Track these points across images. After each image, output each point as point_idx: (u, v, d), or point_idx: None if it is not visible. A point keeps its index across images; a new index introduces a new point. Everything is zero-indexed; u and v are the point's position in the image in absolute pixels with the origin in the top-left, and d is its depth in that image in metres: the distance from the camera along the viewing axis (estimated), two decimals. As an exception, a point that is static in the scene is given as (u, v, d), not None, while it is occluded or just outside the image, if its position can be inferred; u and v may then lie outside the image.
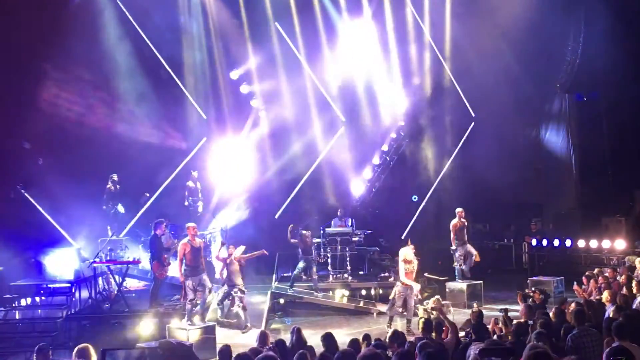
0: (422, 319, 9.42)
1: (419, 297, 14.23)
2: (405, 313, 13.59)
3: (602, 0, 18.86)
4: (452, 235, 16.04)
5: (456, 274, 16.23)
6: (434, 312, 11.49)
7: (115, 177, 17.37)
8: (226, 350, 8.36)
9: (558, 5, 19.83)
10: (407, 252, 13.79)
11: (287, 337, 9.04)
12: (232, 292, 13.94)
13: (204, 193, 18.77)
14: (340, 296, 16.12)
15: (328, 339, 8.50)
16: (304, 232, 16.17)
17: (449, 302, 14.43)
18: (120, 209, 17.32)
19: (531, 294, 12.98)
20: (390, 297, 14.01)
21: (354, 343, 8.24)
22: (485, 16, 19.45)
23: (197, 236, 13.02)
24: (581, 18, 20.25)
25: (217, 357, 8.08)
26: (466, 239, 16.23)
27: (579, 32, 20.36)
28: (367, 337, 9.08)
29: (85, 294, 14.51)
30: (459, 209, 16.23)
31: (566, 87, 21.27)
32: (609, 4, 18.70)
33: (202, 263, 12.94)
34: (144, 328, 12.13)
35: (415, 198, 22.22)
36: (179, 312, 13.27)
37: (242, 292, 13.98)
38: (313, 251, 16.12)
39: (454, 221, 16.08)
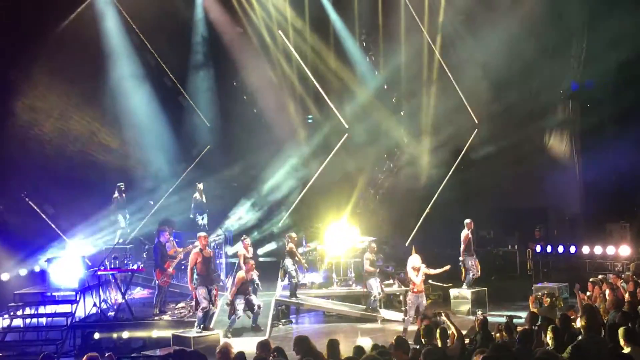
0: (425, 326, 9.32)
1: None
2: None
3: (605, 5, 18.85)
4: (462, 247, 15.97)
5: (465, 281, 16.14)
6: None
7: (122, 186, 17.50)
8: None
9: (562, 11, 19.81)
10: (415, 260, 13.79)
11: (289, 345, 8.89)
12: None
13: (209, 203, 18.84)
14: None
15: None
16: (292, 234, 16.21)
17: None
18: (121, 220, 17.35)
19: (540, 298, 13.00)
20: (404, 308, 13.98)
21: (359, 350, 8.15)
22: (487, 21, 19.44)
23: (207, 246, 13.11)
24: (585, 24, 20.23)
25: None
26: (473, 249, 16.20)
27: (582, 39, 20.35)
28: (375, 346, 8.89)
29: (89, 302, 14.54)
30: (467, 220, 16.16)
31: (570, 94, 21.24)
32: (611, 9, 18.69)
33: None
34: (149, 336, 12.15)
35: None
36: (184, 319, 13.31)
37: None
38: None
39: (465, 232, 16.00)
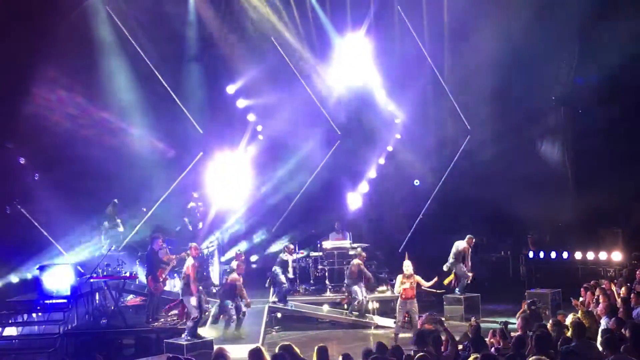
0: (418, 331, 9.32)
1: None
2: (408, 328, 13.50)
3: (598, 13, 18.95)
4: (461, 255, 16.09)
5: (458, 288, 16.17)
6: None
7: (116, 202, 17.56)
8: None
9: (554, 19, 19.91)
10: (407, 266, 13.81)
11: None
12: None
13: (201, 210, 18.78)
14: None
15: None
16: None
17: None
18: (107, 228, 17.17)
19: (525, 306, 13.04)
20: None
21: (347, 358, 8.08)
22: (481, 30, 19.53)
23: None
24: (577, 31, 20.33)
25: None
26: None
27: (574, 45, 20.45)
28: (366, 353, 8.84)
29: (82, 309, 14.48)
30: (469, 236, 16.37)
31: (562, 100, 21.33)
32: (604, 17, 18.82)
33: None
34: (142, 343, 12.09)
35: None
36: (176, 327, 13.26)
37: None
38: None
39: (464, 245, 16.13)
